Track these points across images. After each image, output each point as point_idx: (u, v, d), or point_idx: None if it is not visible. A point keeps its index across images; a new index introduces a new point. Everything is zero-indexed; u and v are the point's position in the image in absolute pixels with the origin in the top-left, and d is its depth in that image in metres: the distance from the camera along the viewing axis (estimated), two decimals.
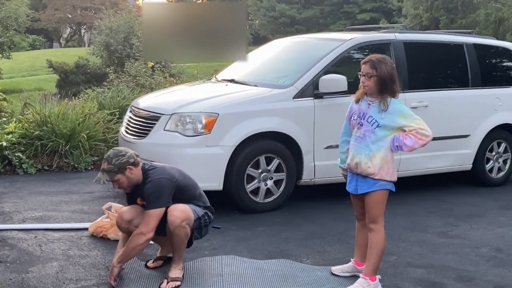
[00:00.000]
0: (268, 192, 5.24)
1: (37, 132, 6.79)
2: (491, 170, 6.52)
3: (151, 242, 4.02)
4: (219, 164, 4.98)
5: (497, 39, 7.89)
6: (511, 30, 19.86)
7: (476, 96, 6.35)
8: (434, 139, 5.88)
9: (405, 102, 5.53)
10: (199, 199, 3.72)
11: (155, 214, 3.46)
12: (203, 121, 5.01)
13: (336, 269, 3.84)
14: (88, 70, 19.76)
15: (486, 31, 20.07)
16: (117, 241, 3.92)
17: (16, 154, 6.56)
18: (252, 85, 5.63)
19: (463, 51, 6.38)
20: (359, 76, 3.53)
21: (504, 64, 6.96)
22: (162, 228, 3.56)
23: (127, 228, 3.66)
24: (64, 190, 5.85)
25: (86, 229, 4.51)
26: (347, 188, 3.67)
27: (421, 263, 4.10)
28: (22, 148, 6.70)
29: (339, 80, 5.26)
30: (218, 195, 4.88)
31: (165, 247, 3.86)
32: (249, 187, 5.13)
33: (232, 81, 5.96)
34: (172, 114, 5.13)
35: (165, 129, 5.13)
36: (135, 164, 3.55)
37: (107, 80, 12.29)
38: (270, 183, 5.23)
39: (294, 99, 5.32)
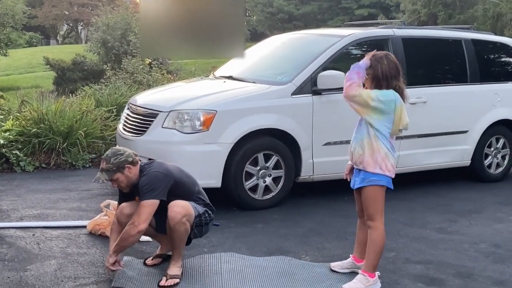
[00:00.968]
0: (267, 189, 5.23)
1: (34, 130, 6.77)
2: (489, 166, 6.53)
3: (150, 239, 4.01)
4: (217, 161, 4.97)
5: (495, 34, 7.88)
6: (509, 25, 19.89)
7: (474, 91, 6.35)
8: (433, 135, 6.00)
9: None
10: (198, 196, 3.72)
11: (148, 204, 3.44)
12: (201, 118, 4.99)
13: (335, 265, 3.84)
14: (85, 67, 19.74)
15: (484, 27, 20.11)
16: None
17: (13, 152, 6.53)
18: (250, 82, 5.61)
19: (461, 47, 6.37)
20: None
21: (503, 59, 6.95)
22: (163, 226, 3.55)
23: (126, 222, 3.64)
24: (62, 187, 5.84)
25: (84, 226, 4.50)
26: (351, 185, 3.67)
27: (420, 259, 4.10)
28: (20, 146, 6.68)
29: (337, 77, 5.24)
30: (216, 193, 4.87)
31: (164, 245, 3.86)
32: (248, 184, 5.12)
33: (230, 77, 5.95)
34: (170, 111, 5.12)
35: (163, 126, 5.12)
36: (133, 163, 3.55)
37: (104, 77, 12.26)
38: (268, 180, 5.22)
39: (293, 96, 5.30)
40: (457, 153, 6.23)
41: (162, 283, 3.51)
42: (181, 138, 5.01)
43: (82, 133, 6.92)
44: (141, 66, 11.77)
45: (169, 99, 5.51)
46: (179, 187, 3.61)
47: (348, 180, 3.69)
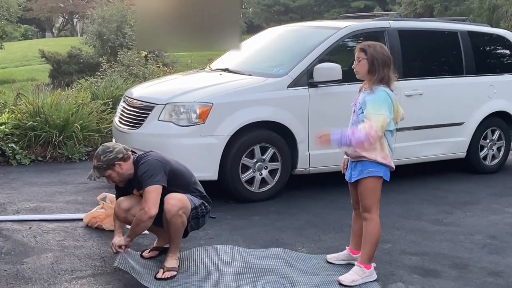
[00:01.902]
0: (263, 182, 5.24)
1: (30, 123, 6.76)
2: (485, 158, 6.55)
3: (147, 232, 4.02)
4: (213, 154, 4.97)
5: (491, 26, 7.88)
6: (505, 17, 19.88)
7: (470, 83, 6.35)
8: (429, 127, 6.01)
9: (400, 90, 5.55)
10: (195, 187, 3.72)
11: (152, 190, 3.45)
12: (197, 111, 4.99)
13: (331, 257, 3.85)
14: (81, 60, 19.66)
15: (480, 19, 20.09)
16: (112, 231, 3.91)
17: (9, 145, 6.52)
18: (247, 74, 5.60)
19: (457, 39, 6.38)
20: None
21: (498, 51, 6.96)
22: (160, 219, 3.55)
23: (125, 217, 3.67)
24: (58, 180, 5.83)
25: (81, 219, 4.50)
26: (346, 177, 3.68)
27: (416, 251, 4.12)
28: (16, 139, 6.67)
29: (333, 69, 5.24)
30: (213, 185, 4.87)
31: (161, 238, 3.86)
32: (244, 176, 5.13)
33: (226, 70, 5.94)
34: (166, 104, 5.11)
35: (159, 119, 5.11)
36: (124, 159, 3.56)
37: (100, 69, 12.22)
38: (265, 172, 5.23)
39: (289, 88, 5.30)
40: (453, 145, 6.24)
41: (159, 275, 3.52)
42: (177, 131, 5.00)
43: (78, 126, 6.90)
44: (137, 59, 11.73)
45: (165, 91, 5.50)
46: (176, 176, 3.61)
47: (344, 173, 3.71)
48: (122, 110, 5.66)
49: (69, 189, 5.52)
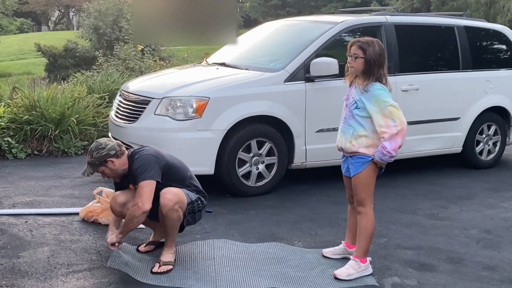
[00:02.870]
0: (260, 176, 5.25)
1: (26, 117, 6.73)
2: (481, 153, 6.57)
3: (143, 226, 4.02)
4: (210, 148, 4.97)
5: (488, 21, 7.89)
6: (502, 12, 19.88)
7: (466, 78, 6.36)
8: (425, 121, 6.02)
9: (396, 85, 5.56)
10: (191, 182, 3.72)
11: (145, 185, 3.45)
12: (194, 105, 4.98)
13: (327, 251, 3.87)
14: (77, 54, 19.59)
15: (476, 14, 20.08)
16: (108, 225, 3.92)
17: (5, 139, 6.50)
18: (243, 69, 5.60)
19: (454, 34, 6.38)
20: (348, 57, 3.52)
21: (495, 46, 6.97)
22: (156, 213, 3.55)
23: (120, 211, 3.67)
24: (54, 175, 5.82)
25: (77, 214, 4.50)
26: (342, 170, 3.69)
27: (411, 245, 4.13)
28: (11, 133, 6.65)
29: (330, 64, 5.24)
30: (209, 179, 4.88)
31: (157, 232, 3.87)
32: (241, 171, 5.13)
33: (223, 64, 5.93)
34: (162, 98, 5.10)
35: (156, 113, 5.10)
36: (117, 155, 3.56)
37: (96, 63, 12.19)
38: (261, 167, 5.23)
39: (285, 83, 5.30)
40: (449, 140, 6.26)
41: (155, 269, 3.53)
42: (173, 125, 5.00)
43: (74, 120, 6.89)
44: (133, 53, 11.70)
45: (162, 86, 5.49)
46: (171, 171, 3.61)
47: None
48: (119, 104, 5.65)
49: (65, 183, 5.51)
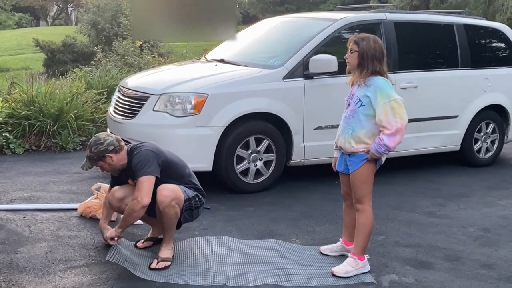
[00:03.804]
0: (258, 173, 5.24)
1: (24, 112, 6.72)
2: (479, 151, 6.58)
3: (141, 222, 4.02)
4: (208, 145, 4.97)
5: (487, 19, 7.89)
6: (501, 10, 19.88)
7: (465, 76, 6.36)
8: (423, 119, 6.02)
9: (395, 83, 5.54)
10: (189, 179, 3.72)
11: (144, 180, 3.46)
12: (193, 102, 4.98)
13: (325, 248, 3.87)
14: (76, 49, 19.57)
15: (475, 11, 20.08)
16: None
17: (3, 134, 6.49)
18: (242, 65, 5.59)
19: (453, 32, 6.38)
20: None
21: (494, 44, 6.97)
22: (154, 209, 3.55)
23: (118, 206, 3.67)
24: (52, 170, 5.81)
25: (75, 209, 4.50)
26: (337, 168, 3.68)
27: (409, 243, 4.14)
28: (9, 128, 6.64)
29: (329, 61, 5.24)
30: (207, 176, 4.87)
31: (155, 228, 3.87)
32: (239, 168, 5.13)
33: (221, 61, 5.92)
34: (161, 94, 5.09)
35: (154, 109, 5.09)
36: (115, 151, 3.56)
37: (95, 59, 12.16)
38: (259, 164, 5.23)
39: (284, 80, 5.29)
40: (447, 137, 6.26)
41: (153, 265, 3.53)
42: (172, 122, 4.99)
43: (73, 116, 6.88)
44: (132, 49, 11.69)
45: (160, 82, 5.48)
46: (170, 167, 3.61)
47: (335, 170, 3.72)
48: (117, 100, 5.64)
49: (63, 178, 5.51)
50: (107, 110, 6.27)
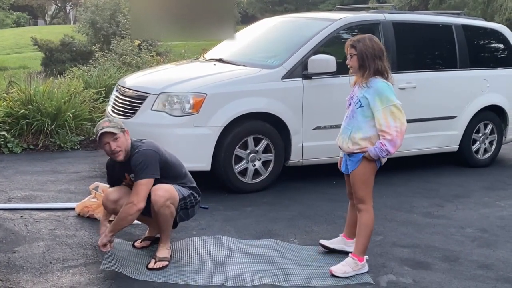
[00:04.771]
0: (256, 173, 5.24)
1: (22, 111, 6.71)
2: (477, 151, 6.58)
3: (138, 222, 4.01)
4: (207, 144, 4.96)
5: (486, 20, 7.89)
6: (499, 11, 19.90)
7: (463, 77, 6.37)
8: (422, 120, 6.02)
9: (394, 83, 5.55)
10: (185, 179, 3.71)
11: (143, 183, 3.45)
12: (191, 101, 4.97)
13: (324, 240, 3.87)
14: (74, 48, 19.55)
15: (474, 12, 20.09)
16: None
17: (1, 133, 6.48)
18: (241, 65, 5.58)
19: (451, 32, 6.38)
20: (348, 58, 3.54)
21: (492, 45, 6.97)
22: (148, 209, 3.55)
23: (113, 208, 3.65)
24: (50, 169, 5.80)
25: (73, 209, 4.49)
26: (340, 168, 3.69)
27: (407, 243, 4.14)
28: (7, 127, 6.62)
29: (328, 61, 5.23)
30: (206, 176, 4.87)
31: (153, 228, 3.86)
32: (237, 167, 5.12)
33: (220, 60, 5.91)
34: (159, 94, 5.09)
35: (152, 109, 5.09)
36: (127, 132, 3.60)
37: (93, 58, 12.16)
38: (258, 163, 5.22)
39: (283, 80, 5.29)
40: (445, 138, 6.27)
41: (151, 265, 3.52)
42: (170, 121, 4.98)
43: (71, 115, 6.87)
44: (130, 48, 11.68)
45: (159, 81, 5.47)
46: (167, 167, 3.61)
47: (340, 169, 3.72)
48: (115, 99, 5.64)
49: (61, 178, 5.50)
50: (105, 110, 6.26)
